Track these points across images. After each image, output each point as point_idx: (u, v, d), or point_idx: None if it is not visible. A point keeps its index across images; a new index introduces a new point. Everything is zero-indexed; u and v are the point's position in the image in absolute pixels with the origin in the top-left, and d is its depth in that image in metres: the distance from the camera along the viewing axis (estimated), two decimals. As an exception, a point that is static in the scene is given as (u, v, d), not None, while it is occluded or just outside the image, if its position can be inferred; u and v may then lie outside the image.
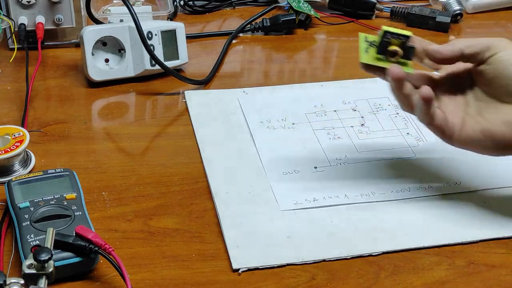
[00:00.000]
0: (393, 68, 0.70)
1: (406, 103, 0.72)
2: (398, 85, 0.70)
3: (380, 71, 0.73)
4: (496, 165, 0.81)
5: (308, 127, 0.90)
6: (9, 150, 0.78)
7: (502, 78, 0.69)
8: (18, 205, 0.71)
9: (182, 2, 1.18)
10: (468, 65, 0.73)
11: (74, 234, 0.66)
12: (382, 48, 0.72)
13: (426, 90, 0.69)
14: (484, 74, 0.70)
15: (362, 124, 0.90)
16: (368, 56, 0.73)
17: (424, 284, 0.68)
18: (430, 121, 0.71)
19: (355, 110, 0.93)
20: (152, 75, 0.99)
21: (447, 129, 0.71)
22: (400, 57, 0.72)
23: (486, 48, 0.69)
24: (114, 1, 1.13)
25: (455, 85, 0.74)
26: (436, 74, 0.75)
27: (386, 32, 0.72)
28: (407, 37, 0.72)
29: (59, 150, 0.85)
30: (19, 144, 0.79)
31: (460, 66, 0.73)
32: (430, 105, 0.69)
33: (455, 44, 0.71)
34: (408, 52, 0.72)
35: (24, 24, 1.00)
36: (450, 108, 0.72)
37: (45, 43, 1.04)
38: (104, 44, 0.97)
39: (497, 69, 0.69)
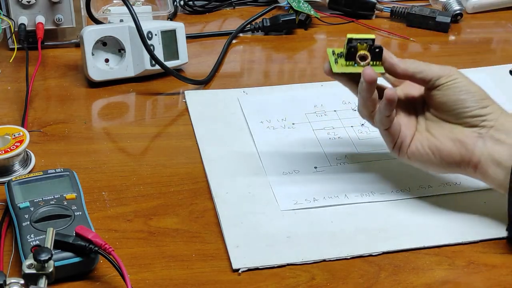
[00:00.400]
0: (367, 70, 0.72)
1: (371, 108, 0.74)
2: (370, 88, 0.72)
3: (350, 81, 0.76)
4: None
5: (308, 127, 0.90)
6: (9, 150, 0.78)
7: (450, 103, 0.73)
8: (18, 205, 0.71)
9: (182, 2, 1.18)
10: (422, 91, 0.76)
11: (74, 234, 0.67)
12: (350, 55, 0.73)
13: (391, 91, 0.72)
14: (435, 98, 0.74)
15: (362, 124, 0.90)
16: (339, 66, 0.74)
17: (424, 284, 0.68)
18: (388, 125, 0.74)
19: (355, 110, 0.93)
20: (152, 75, 0.99)
21: (399, 139, 0.74)
22: (370, 61, 0.73)
23: (438, 76, 0.73)
24: (114, 1, 1.13)
25: (410, 104, 0.77)
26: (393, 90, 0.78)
27: (350, 39, 0.73)
28: (372, 39, 0.73)
29: (59, 150, 0.85)
30: (19, 144, 0.79)
31: (416, 89, 0.77)
32: (393, 107, 0.72)
33: (411, 65, 0.74)
34: (376, 54, 0.73)
35: (24, 24, 1.00)
36: (404, 121, 0.75)
37: (45, 43, 1.04)
38: (104, 44, 0.97)
39: (446, 95, 0.73)
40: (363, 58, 0.73)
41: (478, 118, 0.72)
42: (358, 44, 0.73)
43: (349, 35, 0.73)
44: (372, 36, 0.73)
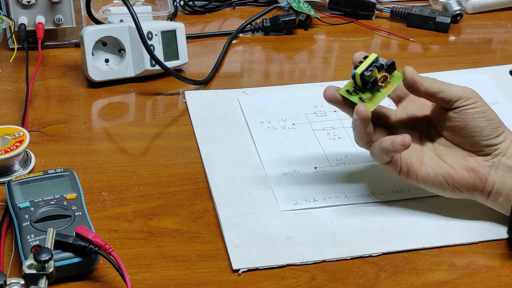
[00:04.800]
0: (360, 108, 0.70)
1: (367, 140, 0.73)
2: (364, 124, 0.71)
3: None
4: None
5: (308, 127, 0.90)
6: (9, 150, 0.78)
7: (468, 129, 0.72)
8: (18, 205, 0.71)
9: (182, 2, 1.18)
10: (427, 110, 0.76)
11: (74, 234, 0.67)
12: (374, 85, 0.72)
13: (408, 138, 0.70)
14: (451, 122, 0.73)
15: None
16: (371, 103, 0.72)
17: (424, 284, 0.68)
18: (388, 160, 0.73)
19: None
20: (152, 75, 0.99)
21: (403, 165, 0.73)
22: (388, 76, 0.73)
23: (457, 97, 0.72)
24: (114, 1, 1.13)
25: (412, 125, 0.76)
26: (392, 110, 0.78)
27: (362, 74, 0.71)
28: (377, 59, 0.72)
29: (59, 150, 0.85)
30: (19, 144, 0.79)
31: (419, 109, 0.77)
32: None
33: (433, 84, 0.72)
34: (391, 67, 0.73)
35: (24, 24, 1.00)
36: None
37: (45, 43, 1.04)
38: (104, 44, 0.97)
39: (464, 119, 0.72)
40: (385, 79, 0.72)
41: (492, 147, 0.72)
42: (372, 72, 0.71)
43: (358, 71, 0.71)
44: (374, 54, 0.72)
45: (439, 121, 0.75)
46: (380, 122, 0.76)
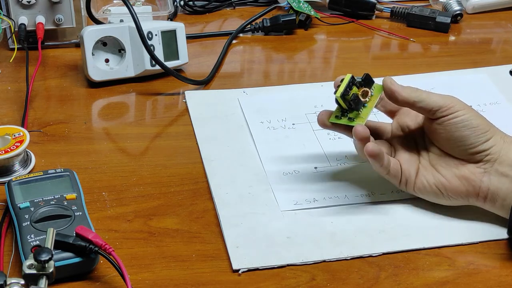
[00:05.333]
0: (358, 128, 0.72)
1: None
2: (364, 143, 0.72)
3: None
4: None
5: (308, 127, 0.90)
6: (9, 150, 0.78)
7: (453, 139, 0.72)
8: (18, 205, 0.71)
9: (182, 2, 1.18)
10: (420, 120, 0.76)
11: (74, 234, 0.67)
12: (357, 103, 0.73)
13: (370, 147, 0.72)
14: (437, 133, 0.73)
15: (362, 125, 0.90)
16: (360, 119, 0.74)
17: (424, 284, 0.68)
18: (385, 172, 0.74)
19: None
20: (152, 75, 0.99)
21: (403, 178, 0.75)
22: (369, 90, 0.74)
23: (438, 107, 0.72)
24: (114, 1, 1.13)
25: (408, 136, 0.77)
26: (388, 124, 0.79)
27: (342, 96, 0.72)
28: (352, 77, 0.73)
29: (59, 150, 0.85)
30: (19, 144, 0.79)
31: (412, 119, 0.77)
32: (377, 159, 0.72)
33: (412, 94, 0.73)
34: (368, 81, 0.74)
35: (24, 24, 1.00)
36: (406, 157, 0.75)
37: (45, 43, 1.04)
38: (104, 44, 0.97)
39: (448, 131, 0.72)
40: (365, 94, 0.73)
41: (482, 153, 0.72)
42: (351, 91, 0.73)
43: (337, 94, 0.72)
44: (348, 75, 0.73)
45: (429, 132, 0.75)
46: (380, 137, 0.77)
